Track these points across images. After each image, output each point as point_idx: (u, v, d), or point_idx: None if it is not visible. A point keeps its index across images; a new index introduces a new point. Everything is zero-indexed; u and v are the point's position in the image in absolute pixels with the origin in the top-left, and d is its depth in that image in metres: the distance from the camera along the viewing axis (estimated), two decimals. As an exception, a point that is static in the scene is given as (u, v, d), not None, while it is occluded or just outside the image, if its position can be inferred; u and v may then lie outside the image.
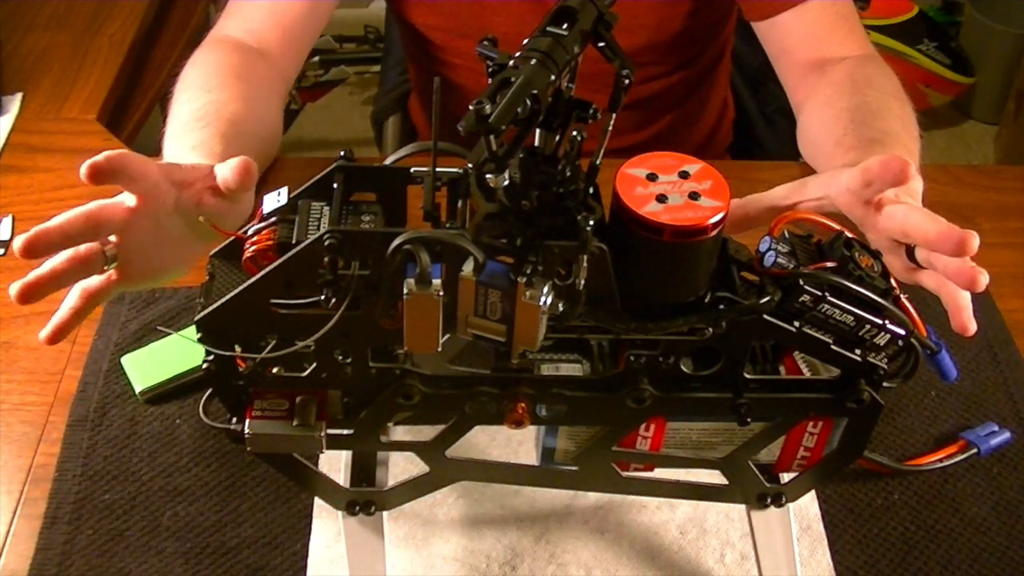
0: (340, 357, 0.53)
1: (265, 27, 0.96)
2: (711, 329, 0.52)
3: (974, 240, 0.60)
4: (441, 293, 0.48)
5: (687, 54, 1.10)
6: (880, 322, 0.53)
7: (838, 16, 0.97)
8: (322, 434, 0.55)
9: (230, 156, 0.66)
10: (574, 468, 0.61)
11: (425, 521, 0.73)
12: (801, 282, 0.52)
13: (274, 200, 0.54)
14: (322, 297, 0.50)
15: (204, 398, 0.60)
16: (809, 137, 0.93)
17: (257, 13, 0.96)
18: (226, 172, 0.65)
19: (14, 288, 0.60)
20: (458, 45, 1.08)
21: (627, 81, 0.46)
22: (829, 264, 0.53)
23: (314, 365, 0.54)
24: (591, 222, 0.47)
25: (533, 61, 0.44)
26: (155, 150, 0.80)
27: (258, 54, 0.94)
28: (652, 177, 0.50)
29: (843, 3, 0.98)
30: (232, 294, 0.51)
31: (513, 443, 0.77)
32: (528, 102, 0.44)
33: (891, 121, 0.86)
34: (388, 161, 0.58)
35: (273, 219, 0.53)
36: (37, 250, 0.59)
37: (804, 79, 0.97)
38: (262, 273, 0.50)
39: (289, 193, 0.54)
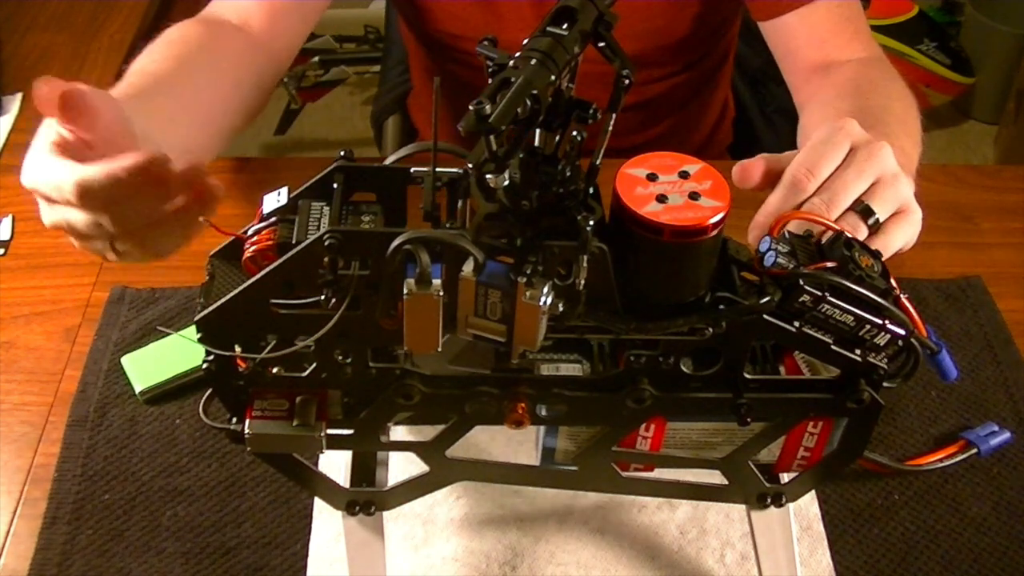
0: (340, 357, 0.53)
1: (251, 6, 0.93)
2: (711, 329, 0.52)
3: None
4: (441, 293, 0.48)
5: (692, 56, 1.10)
6: (880, 322, 0.53)
7: (843, 18, 0.97)
8: (322, 434, 0.55)
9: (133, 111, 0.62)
10: (574, 468, 0.61)
11: (425, 521, 0.73)
12: (801, 282, 0.52)
13: (274, 200, 0.54)
14: (322, 297, 0.50)
15: (204, 398, 0.60)
16: (807, 135, 0.94)
17: None
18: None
19: None
20: (467, 47, 1.08)
21: (627, 81, 0.46)
22: (829, 264, 0.53)
23: (314, 365, 0.54)
24: (591, 222, 0.47)
25: (533, 61, 0.44)
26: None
27: (235, 28, 0.91)
28: (652, 177, 0.50)
29: (849, 5, 0.97)
30: (232, 294, 0.51)
31: (513, 443, 0.77)
32: (528, 102, 0.44)
33: (893, 125, 0.86)
34: (388, 161, 0.58)
35: (273, 219, 0.53)
36: None
37: (808, 80, 0.97)
38: (262, 273, 0.50)
39: (289, 193, 0.54)
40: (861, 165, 0.68)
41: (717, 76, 1.19)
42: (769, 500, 0.63)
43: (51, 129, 0.60)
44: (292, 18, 0.96)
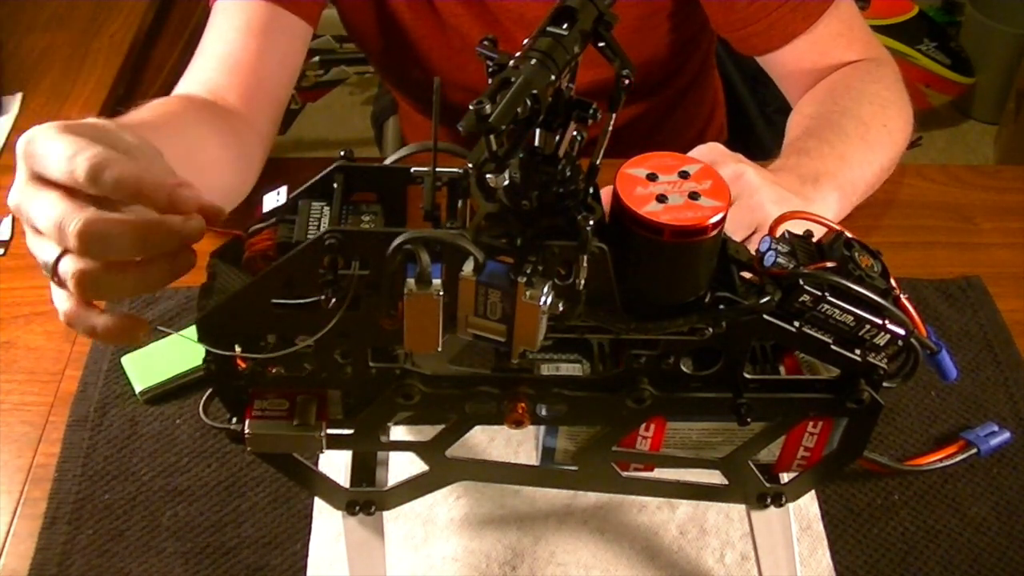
0: (340, 357, 0.53)
1: (224, 84, 0.89)
2: (711, 329, 0.52)
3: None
4: (441, 293, 0.48)
5: (660, 76, 1.10)
6: (880, 322, 0.53)
7: (832, 34, 0.96)
8: (322, 434, 0.55)
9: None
10: (574, 468, 0.61)
11: (425, 521, 0.73)
12: (801, 282, 0.52)
13: (274, 200, 0.54)
14: (322, 297, 0.50)
15: (204, 398, 0.60)
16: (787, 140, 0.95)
17: (211, 65, 0.91)
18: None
19: None
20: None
21: (627, 81, 0.46)
22: (829, 264, 0.53)
23: (314, 365, 0.54)
24: (591, 222, 0.47)
25: (533, 61, 0.44)
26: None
27: (211, 102, 0.88)
28: (652, 177, 0.50)
29: (840, 19, 0.96)
30: (232, 294, 0.51)
31: (513, 443, 0.77)
32: (528, 102, 0.44)
33: (848, 129, 0.88)
34: (388, 161, 0.58)
35: (273, 219, 0.53)
36: None
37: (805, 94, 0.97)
38: (262, 273, 0.50)
39: (289, 193, 0.54)
40: None
41: (694, 92, 1.18)
42: (769, 500, 0.63)
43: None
44: (263, 93, 0.93)
